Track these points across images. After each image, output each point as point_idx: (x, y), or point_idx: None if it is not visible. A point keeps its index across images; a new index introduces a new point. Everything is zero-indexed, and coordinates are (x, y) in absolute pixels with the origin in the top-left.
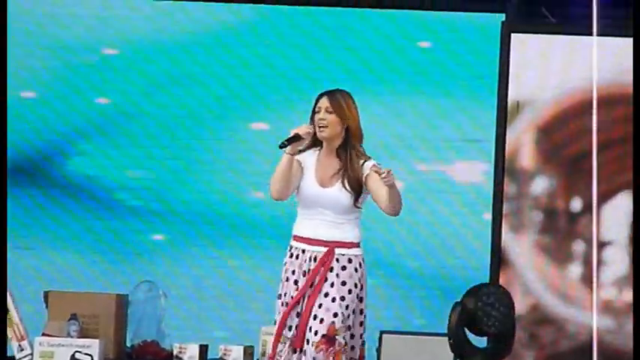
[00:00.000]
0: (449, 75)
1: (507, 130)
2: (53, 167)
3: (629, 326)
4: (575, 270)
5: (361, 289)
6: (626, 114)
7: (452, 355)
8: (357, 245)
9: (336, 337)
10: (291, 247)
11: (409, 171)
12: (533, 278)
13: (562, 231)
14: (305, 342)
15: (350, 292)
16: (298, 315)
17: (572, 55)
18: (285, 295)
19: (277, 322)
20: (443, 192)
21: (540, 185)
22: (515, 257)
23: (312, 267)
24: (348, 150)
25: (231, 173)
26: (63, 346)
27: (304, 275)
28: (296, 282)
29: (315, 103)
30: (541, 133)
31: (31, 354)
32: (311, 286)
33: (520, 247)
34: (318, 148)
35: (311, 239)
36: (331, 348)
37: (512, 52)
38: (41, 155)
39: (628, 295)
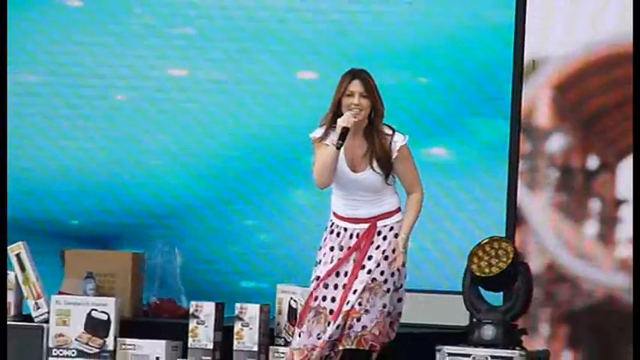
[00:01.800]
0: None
1: (523, 88)
2: None
3: None
4: (591, 228)
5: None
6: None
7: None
8: (398, 210)
9: (351, 300)
10: (332, 224)
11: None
12: (549, 237)
13: (578, 189)
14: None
15: (386, 257)
16: (332, 287)
17: (589, 12)
18: (320, 266)
19: (310, 294)
20: (457, 149)
21: (556, 143)
22: (530, 215)
23: (351, 244)
24: (375, 131)
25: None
26: (79, 304)
27: (340, 250)
28: (333, 259)
29: (345, 86)
30: (557, 91)
31: (48, 312)
32: (353, 261)
33: (536, 205)
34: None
35: (352, 219)
36: (345, 310)
37: (529, 8)
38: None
39: None
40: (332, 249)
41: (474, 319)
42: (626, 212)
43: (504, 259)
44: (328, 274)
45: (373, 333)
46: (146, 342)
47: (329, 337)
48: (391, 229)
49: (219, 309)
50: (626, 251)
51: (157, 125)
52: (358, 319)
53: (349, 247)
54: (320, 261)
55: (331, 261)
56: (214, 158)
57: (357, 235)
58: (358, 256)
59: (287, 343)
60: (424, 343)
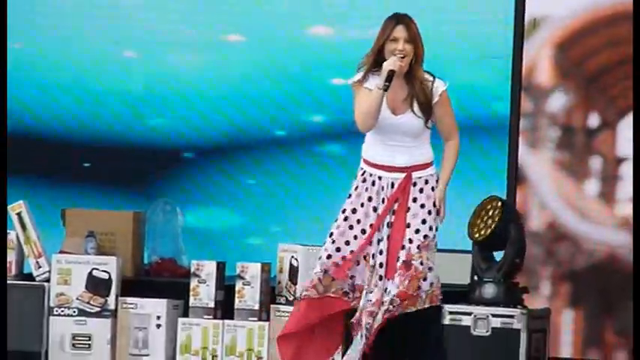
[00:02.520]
0: None
1: (524, 47)
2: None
3: None
4: (592, 186)
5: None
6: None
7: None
8: (431, 164)
9: (412, 261)
10: (364, 172)
11: None
12: (550, 195)
13: (579, 147)
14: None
15: (430, 212)
16: (375, 242)
17: None
18: (358, 223)
19: (356, 248)
20: (458, 108)
21: (557, 102)
22: (531, 174)
23: (388, 194)
24: (416, 76)
25: None
26: (80, 263)
27: (383, 202)
28: (375, 209)
29: (389, 32)
30: (558, 50)
31: (49, 271)
32: (393, 213)
33: (537, 163)
34: (376, 72)
35: (388, 166)
36: (407, 272)
37: None
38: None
39: None
40: (370, 199)
41: (475, 278)
42: (627, 170)
43: (496, 218)
44: (376, 229)
45: (439, 287)
46: (147, 301)
47: (388, 294)
48: (426, 181)
49: (220, 268)
50: (627, 209)
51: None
52: (425, 279)
53: (387, 198)
54: (354, 210)
55: (366, 214)
56: None
57: (393, 185)
58: (398, 207)
59: (288, 302)
60: None
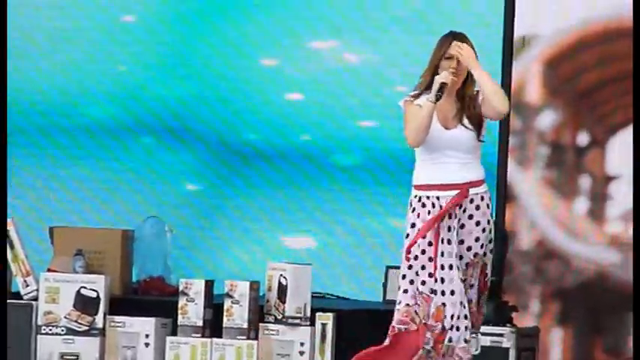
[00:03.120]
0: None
1: (514, 64)
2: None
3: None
4: (582, 205)
5: (489, 223)
6: (630, 48)
7: None
8: (484, 182)
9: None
10: (419, 198)
11: None
12: (539, 213)
13: (568, 165)
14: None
15: (484, 230)
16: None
17: None
18: (430, 245)
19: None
20: None
21: (547, 119)
22: (521, 192)
23: (451, 212)
24: (467, 92)
25: None
26: (68, 281)
27: (450, 218)
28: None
29: (445, 49)
30: (548, 67)
31: (37, 290)
32: (449, 230)
33: (526, 181)
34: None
35: (444, 185)
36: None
37: None
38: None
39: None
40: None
41: None
42: (616, 188)
43: None
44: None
45: (474, 306)
46: (136, 319)
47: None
48: (482, 198)
49: (209, 286)
50: (616, 227)
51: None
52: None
53: (449, 216)
54: (418, 245)
55: (429, 244)
56: None
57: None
58: (452, 224)
59: (277, 320)
60: None
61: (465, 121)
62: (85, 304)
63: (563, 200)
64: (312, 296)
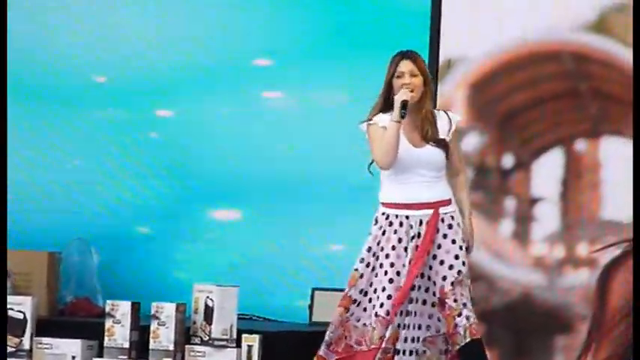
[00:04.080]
0: (380, 28)
1: (439, 87)
2: None
3: (560, 282)
4: (507, 227)
5: (466, 245)
6: (557, 71)
7: None
8: (451, 201)
9: (446, 300)
10: (387, 215)
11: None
12: None
13: (493, 188)
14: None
15: (461, 248)
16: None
17: (505, 11)
18: (392, 266)
19: (394, 300)
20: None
21: (472, 142)
22: None
23: (422, 231)
24: (426, 108)
25: None
26: None
27: (412, 240)
28: (406, 249)
29: (395, 67)
30: (473, 90)
31: None
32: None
33: None
34: (387, 111)
35: (414, 204)
36: (442, 312)
37: (444, 7)
38: None
39: (558, 252)
40: (393, 248)
41: None
42: (541, 210)
43: None
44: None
45: (475, 321)
46: (62, 341)
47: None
48: (452, 217)
49: (135, 308)
50: (541, 249)
51: None
52: (459, 315)
53: (419, 235)
54: (387, 255)
55: (398, 256)
56: None
57: (421, 222)
58: (424, 243)
59: (203, 342)
60: None
61: (431, 140)
62: (11, 325)
63: (488, 222)
64: (239, 318)
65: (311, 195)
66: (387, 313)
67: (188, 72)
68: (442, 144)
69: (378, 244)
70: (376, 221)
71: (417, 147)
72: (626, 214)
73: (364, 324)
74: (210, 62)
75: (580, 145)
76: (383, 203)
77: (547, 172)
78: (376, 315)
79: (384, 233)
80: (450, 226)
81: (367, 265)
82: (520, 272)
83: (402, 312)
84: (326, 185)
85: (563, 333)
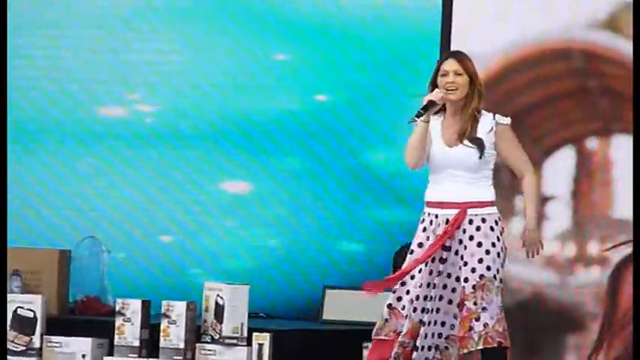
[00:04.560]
0: (390, 28)
1: None
2: None
3: (572, 280)
4: (518, 225)
5: (501, 249)
6: (567, 69)
7: None
8: (492, 204)
9: (466, 302)
10: (423, 215)
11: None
12: None
13: (505, 186)
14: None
15: (488, 252)
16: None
17: (515, 9)
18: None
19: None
20: (382, 148)
21: None
22: None
23: (440, 230)
24: (472, 107)
25: None
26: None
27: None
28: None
29: (438, 66)
30: (484, 88)
31: None
32: (445, 249)
33: None
34: (442, 111)
35: (443, 203)
36: (460, 314)
37: (455, 5)
38: None
39: (570, 250)
40: (420, 245)
41: None
42: (553, 209)
43: None
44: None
45: (496, 329)
46: (72, 339)
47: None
48: (483, 220)
49: (146, 306)
50: (552, 248)
51: None
52: (477, 319)
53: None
54: (412, 251)
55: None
56: None
57: (447, 222)
58: (452, 243)
59: (214, 340)
60: (350, 340)
61: (465, 139)
62: (22, 324)
63: None
64: (249, 316)
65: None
66: (403, 308)
67: None
68: (477, 143)
69: (420, 245)
70: (420, 221)
71: (451, 147)
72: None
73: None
74: None
75: (591, 143)
76: (425, 202)
77: (558, 171)
78: (389, 307)
79: (423, 230)
80: (478, 229)
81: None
82: (531, 271)
83: (423, 309)
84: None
85: (574, 332)
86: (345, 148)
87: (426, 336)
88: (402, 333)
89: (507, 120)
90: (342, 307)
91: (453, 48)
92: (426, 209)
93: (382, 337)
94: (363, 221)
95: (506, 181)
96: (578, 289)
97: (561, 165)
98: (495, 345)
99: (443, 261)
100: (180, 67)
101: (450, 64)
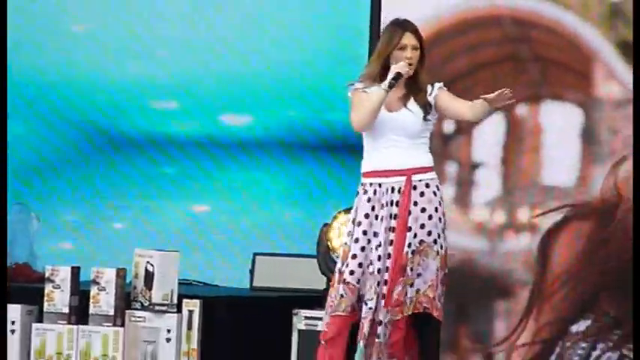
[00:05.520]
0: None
1: None
2: None
3: (502, 247)
4: (448, 192)
5: (443, 214)
6: (498, 36)
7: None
8: (432, 169)
9: (406, 266)
10: (364, 185)
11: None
12: None
13: (435, 153)
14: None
15: (430, 217)
16: (372, 248)
17: None
18: (364, 234)
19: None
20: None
21: None
22: None
23: (394, 198)
24: (418, 80)
25: None
26: None
27: (382, 207)
28: (377, 217)
29: (397, 39)
30: None
31: None
32: (393, 217)
33: None
34: (380, 81)
35: (386, 171)
36: (401, 278)
37: None
38: None
39: (499, 217)
40: (366, 216)
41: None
42: (482, 175)
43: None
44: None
45: (427, 295)
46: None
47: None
48: (427, 185)
49: (75, 273)
50: (482, 215)
51: None
52: (411, 285)
53: (391, 203)
54: (359, 222)
55: (371, 224)
56: None
57: (392, 190)
58: (400, 211)
59: (143, 307)
60: (281, 307)
61: (411, 103)
62: None
63: None
64: (179, 283)
65: None
66: (358, 282)
67: None
68: (422, 103)
69: (355, 212)
70: (357, 192)
71: (392, 111)
72: (566, 179)
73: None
74: None
75: (521, 109)
76: (362, 172)
77: (488, 138)
78: (344, 282)
79: (355, 209)
80: (422, 194)
81: (349, 236)
82: (461, 237)
83: (378, 282)
84: None
85: (504, 298)
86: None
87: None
88: (371, 309)
89: (440, 84)
90: (272, 273)
91: (383, 14)
92: (366, 179)
93: (340, 313)
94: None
95: (435, 149)
96: (508, 256)
97: (491, 131)
98: (421, 310)
99: (393, 230)
100: None
101: (409, 39)
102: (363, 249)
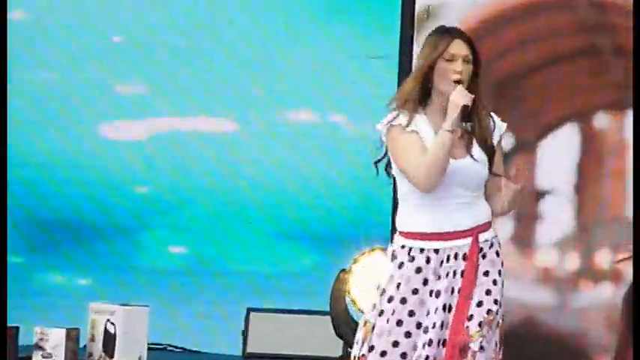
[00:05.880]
0: None
1: (415, 40)
2: None
3: (575, 300)
4: (504, 228)
5: (503, 276)
6: (570, 23)
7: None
8: (491, 224)
9: (470, 344)
10: (409, 250)
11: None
12: None
13: None
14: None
15: (495, 282)
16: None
17: None
18: (411, 315)
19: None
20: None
21: None
22: None
23: (458, 268)
24: (476, 106)
25: None
26: None
27: (439, 279)
28: (432, 293)
29: (444, 46)
30: None
31: None
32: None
33: None
34: (420, 105)
35: (447, 234)
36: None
37: None
38: None
39: (572, 261)
40: (415, 291)
41: (349, 348)
42: (550, 207)
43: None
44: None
45: None
46: None
47: None
48: (491, 245)
49: (12, 335)
50: (549, 258)
51: None
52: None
53: (454, 273)
54: (403, 300)
55: (421, 302)
56: None
57: (456, 256)
58: (464, 283)
59: None
60: None
61: (474, 149)
62: None
63: None
64: (149, 348)
65: None
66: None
67: None
68: (488, 153)
69: (398, 287)
70: (393, 255)
71: (455, 158)
72: None
73: None
74: None
75: (600, 120)
76: (403, 233)
77: (557, 157)
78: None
79: (392, 278)
80: (485, 256)
81: (392, 313)
82: (521, 288)
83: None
84: None
85: None
86: None
87: None
88: None
89: (505, 124)
90: (271, 335)
91: None
92: (414, 243)
93: None
94: None
95: None
96: (582, 313)
97: (561, 148)
98: None
99: (450, 309)
100: None
101: (459, 47)
102: (408, 335)
